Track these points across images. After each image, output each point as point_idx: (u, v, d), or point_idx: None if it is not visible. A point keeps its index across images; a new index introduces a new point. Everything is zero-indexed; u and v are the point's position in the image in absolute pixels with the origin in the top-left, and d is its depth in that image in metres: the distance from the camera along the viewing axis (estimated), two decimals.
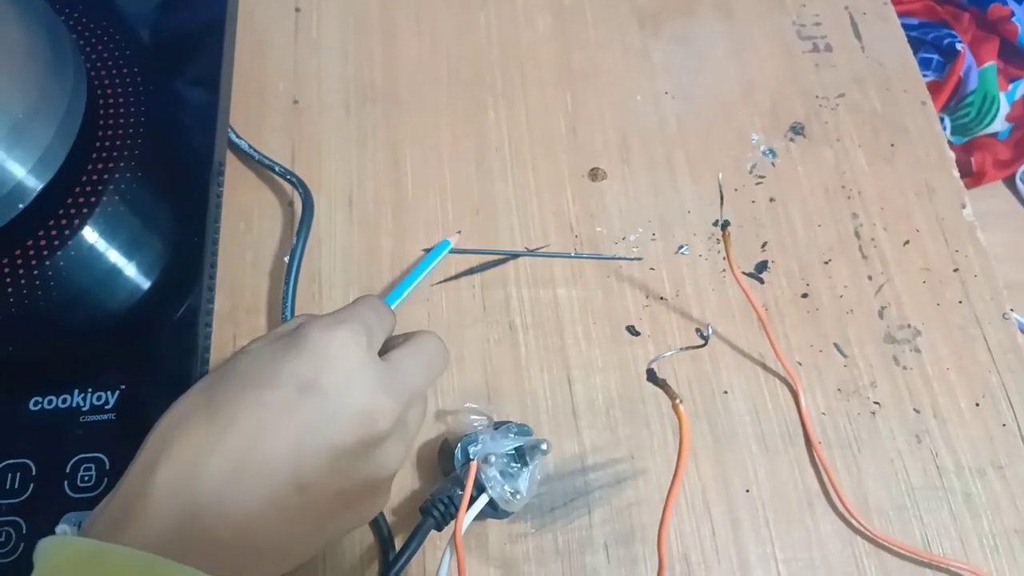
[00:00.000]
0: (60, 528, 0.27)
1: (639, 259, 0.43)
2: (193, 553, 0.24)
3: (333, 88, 0.50)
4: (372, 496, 0.31)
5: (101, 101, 0.43)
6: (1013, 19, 0.71)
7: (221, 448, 0.26)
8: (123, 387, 0.36)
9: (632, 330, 0.42)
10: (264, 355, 0.29)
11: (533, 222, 0.46)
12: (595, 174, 0.47)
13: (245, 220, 0.45)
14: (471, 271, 0.44)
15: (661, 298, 0.44)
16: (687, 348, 0.39)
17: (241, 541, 0.26)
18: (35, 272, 0.39)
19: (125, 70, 0.45)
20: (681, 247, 0.45)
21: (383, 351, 0.32)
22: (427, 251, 0.44)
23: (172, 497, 0.25)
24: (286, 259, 0.42)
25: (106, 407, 0.35)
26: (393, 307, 0.40)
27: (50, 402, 0.36)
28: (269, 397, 0.27)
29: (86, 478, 0.34)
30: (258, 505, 0.26)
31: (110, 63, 0.45)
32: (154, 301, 0.40)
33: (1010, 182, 0.75)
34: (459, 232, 0.44)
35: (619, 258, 0.43)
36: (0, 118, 0.37)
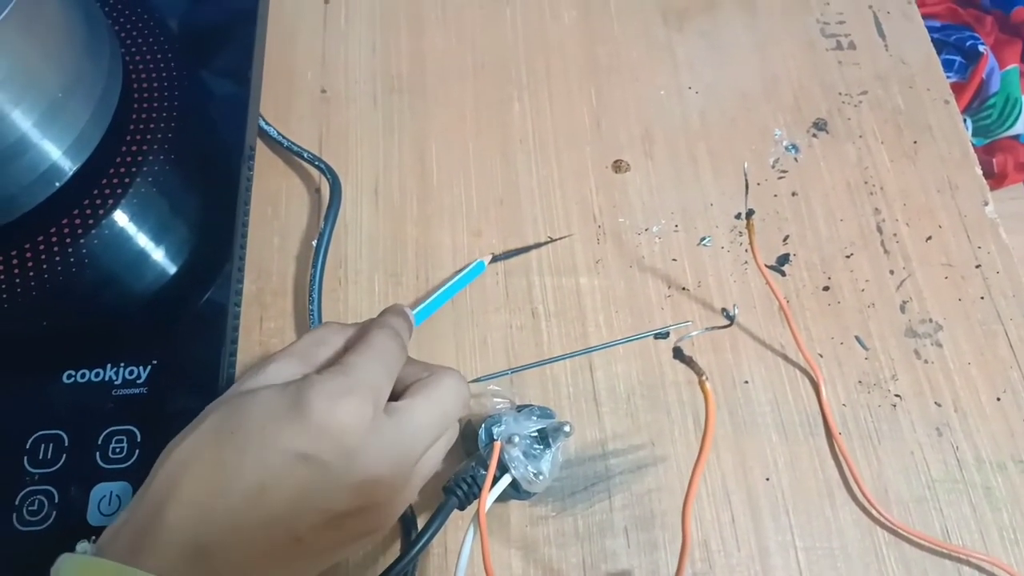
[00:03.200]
0: (80, 547, 0.28)
1: (676, 328, 0.42)
2: None
3: (360, 78, 0.51)
4: (373, 536, 0.31)
5: (135, 86, 0.44)
6: None
7: (225, 500, 0.27)
8: (154, 362, 0.37)
9: (661, 335, 0.42)
10: (270, 412, 0.28)
11: (556, 212, 0.46)
12: (618, 166, 0.48)
13: (273, 205, 0.46)
14: (494, 259, 0.44)
15: (683, 288, 0.44)
16: (712, 328, 0.39)
17: None
18: (69, 251, 0.40)
19: (159, 56, 0.46)
20: (703, 239, 0.45)
21: (400, 388, 0.32)
22: (459, 271, 0.44)
23: (180, 535, 0.26)
24: (313, 243, 0.43)
25: (138, 381, 0.36)
26: (419, 325, 0.40)
27: (83, 375, 0.36)
28: (271, 460, 0.27)
29: (118, 450, 0.35)
30: (259, 551, 0.27)
31: (144, 49, 0.46)
32: (185, 282, 0.41)
33: None
34: (492, 256, 0.44)
35: (658, 333, 0.42)
36: (37, 97, 0.38)
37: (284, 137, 0.47)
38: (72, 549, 0.27)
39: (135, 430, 0.35)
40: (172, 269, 0.41)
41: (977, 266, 0.45)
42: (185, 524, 0.26)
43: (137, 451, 0.35)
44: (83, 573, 0.25)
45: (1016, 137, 0.75)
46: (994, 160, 0.74)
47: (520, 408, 0.38)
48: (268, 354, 0.42)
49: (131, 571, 0.25)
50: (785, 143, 0.48)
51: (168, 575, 0.25)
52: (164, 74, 0.45)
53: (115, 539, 0.27)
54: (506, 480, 0.35)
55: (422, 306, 0.41)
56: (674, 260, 0.45)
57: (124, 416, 0.35)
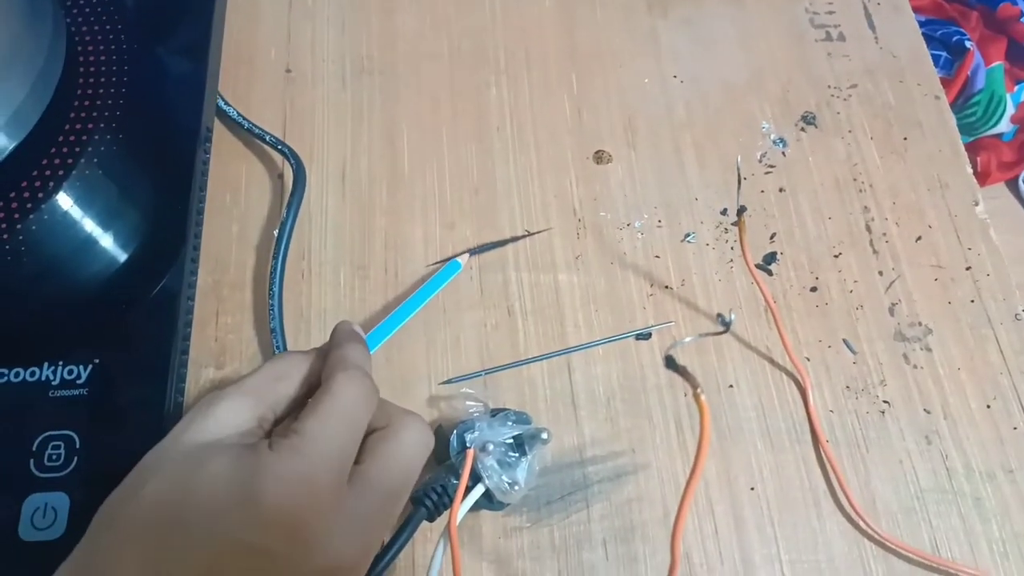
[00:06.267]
0: None
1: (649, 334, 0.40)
2: None
3: (328, 58, 0.48)
4: None
5: (82, 59, 0.41)
6: (1022, 19, 0.70)
7: None
8: (97, 361, 0.34)
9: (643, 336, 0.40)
10: (221, 490, 0.25)
11: (534, 204, 0.44)
12: (600, 157, 0.45)
13: (232, 191, 0.43)
14: (470, 252, 0.42)
15: (666, 287, 0.42)
16: (706, 335, 0.37)
17: None
18: (4, 237, 0.36)
19: (108, 28, 0.42)
20: (687, 235, 0.43)
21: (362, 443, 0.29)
22: (438, 263, 0.41)
23: None
24: (275, 233, 0.40)
25: (78, 382, 0.33)
26: (390, 335, 0.38)
27: (17, 375, 0.33)
28: (218, 547, 0.24)
29: (54, 456, 0.32)
30: None
31: (92, 20, 0.42)
32: (133, 272, 0.38)
33: (1013, 184, 0.74)
34: (469, 253, 0.42)
35: (640, 334, 0.39)
36: None
37: (245, 118, 0.43)
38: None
39: (74, 435, 0.32)
40: (119, 259, 0.38)
41: (967, 268, 0.43)
42: None
43: (76, 458, 0.32)
44: None
45: (999, 136, 0.74)
46: (978, 159, 0.73)
47: (495, 413, 0.36)
48: (225, 351, 0.39)
49: None
50: (773, 136, 0.47)
51: None
52: (113, 47, 0.42)
53: None
54: (479, 491, 0.33)
55: (394, 313, 0.39)
56: (657, 257, 0.43)
57: (62, 420, 0.32)
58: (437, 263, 0.42)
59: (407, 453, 0.29)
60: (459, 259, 0.41)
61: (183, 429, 0.27)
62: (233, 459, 0.26)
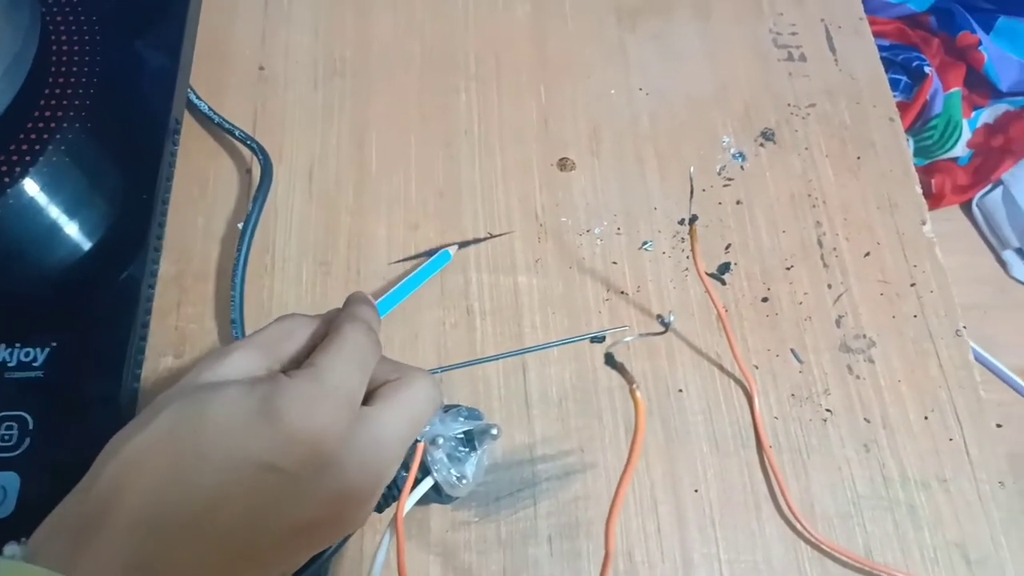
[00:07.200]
0: (8, 550, 0.24)
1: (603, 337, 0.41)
2: None
3: (301, 59, 0.49)
4: (332, 543, 0.29)
5: (55, 47, 0.41)
6: (980, 48, 0.73)
7: (179, 510, 0.24)
8: (54, 344, 0.34)
9: (597, 339, 0.41)
10: (235, 415, 0.25)
11: (498, 208, 0.45)
12: (564, 164, 0.47)
13: (200, 184, 0.44)
14: (430, 252, 0.43)
15: (622, 292, 0.43)
16: (646, 335, 0.38)
17: None
18: None
19: (83, 19, 0.43)
20: (645, 243, 0.44)
21: (369, 388, 0.29)
22: (428, 253, 0.42)
23: (125, 548, 0.23)
24: (240, 226, 0.41)
25: (34, 364, 0.34)
26: (383, 316, 0.39)
27: None
28: (234, 469, 0.25)
29: (7, 437, 0.32)
30: (210, 567, 0.24)
31: (68, 10, 0.43)
32: (96, 260, 0.38)
33: (967, 207, 0.76)
34: (457, 245, 0.43)
35: (594, 337, 0.40)
36: None
37: (215, 113, 0.44)
38: None
39: (27, 416, 0.33)
40: (83, 246, 0.38)
41: (912, 284, 0.45)
42: (134, 531, 0.23)
43: (28, 439, 0.32)
44: None
45: (955, 159, 0.76)
46: (932, 181, 0.75)
47: (447, 408, 0.37)
48: (185, 340, 0.40)
49: None
50: (732, 151, 0.48)
51: None
52: (87, 37, 0.42)
53: (50, 541, 0.24)
54: (427, 483, 0.34)
55: (386, 296, 0.40)
56: (614, 263, 0.44)
57: (16, 401, 0.33)
58: (399, 261, 0.43)
59: (416, 402, 0.29)
60: (449, 249, 0.42)
61: (195, 374, 0.27)
62: (248, 386, 0.26)
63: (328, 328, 0.30)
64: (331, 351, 0.28)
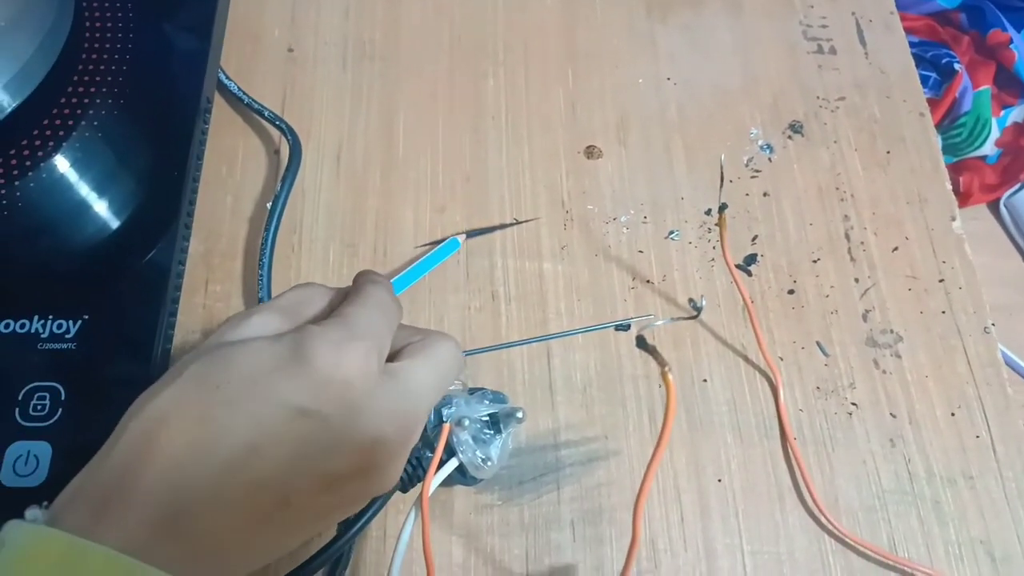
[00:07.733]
0: (30, 514, 0.23)
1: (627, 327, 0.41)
2: (175, 560, 0.23)
3: (331, 41, 0.49)
4: (362, 503, 0.29)
5: (88, 24, 0.41)
6: (1011, 46, 0.72)
7: (209, 460, 0.24)
8: (86, 317, 0.34)
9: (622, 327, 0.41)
10: (264, 362, 0.25)
11: (524, 194, 0.45)
12: (591, 152, 0.47)
13: (228, 164, 0.44)
14: (467, 235, 0.43)
15: (648, 281, 0.43)
16: (678, 318, 0.38)
17: (221, 547, 0.24)
18: (2, 192, 0.37)
19: None
20: (671, 232, 0.44)
21: (392, 351, 0.29)
22: (427, 245, 0.42)
23: (154, 501, 0.23)
24: (268, 206, 0.41)
25: (67, 335, 0.34)
26: None
27: (7, 326, 0.34)
28: (265, 415, 0.24)
29: (39, 407, 0.32)
30: (243, 518, 0.24)
31: None
32: (127, 235, 0.38)
33: (994, 206, 0.76)
34: (465, 235, 0.43)
35: (619, 325, 0.40)
36: None
37: (245, 93, 0.44)
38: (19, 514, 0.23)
39: (59, 387, 0.33)
40: (113, 221, 0.38)
41: (940, 280, 0.45)
42: (160, 488, 0.23)
43: (60, 409, 0.32)
44: (32, 547, 0.22)
45: (983, 158, 0.76)
46: (960, 179, 0.74)
47: (472, 391, 0.37)
48: (212, 318, 0.40)
49: (88, 547, 0.21)
50: (760, 142, 0.48)
51: (135, 548, 0.22)
52: (120, 15, 0.42)
53: (73, 504, 0.23)
54: (453, 464, 0.34)
55: (392, 282, 0.40)
56: (640, 252, 0.44)
57: (49, 372, 0.33)
58: (426, 245, 0.43)
59: (443, 359, 0.29)
60: (458, 238, 0.42)
61: (217, 336, 0.27)
62: (274, 338, 0.26)
63: (344, 298, 0.30)
64: (357, 303, 0.28)
